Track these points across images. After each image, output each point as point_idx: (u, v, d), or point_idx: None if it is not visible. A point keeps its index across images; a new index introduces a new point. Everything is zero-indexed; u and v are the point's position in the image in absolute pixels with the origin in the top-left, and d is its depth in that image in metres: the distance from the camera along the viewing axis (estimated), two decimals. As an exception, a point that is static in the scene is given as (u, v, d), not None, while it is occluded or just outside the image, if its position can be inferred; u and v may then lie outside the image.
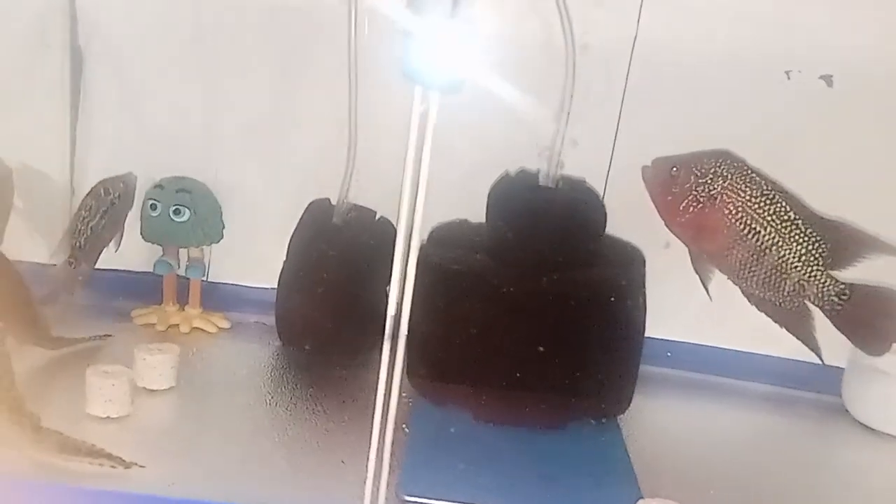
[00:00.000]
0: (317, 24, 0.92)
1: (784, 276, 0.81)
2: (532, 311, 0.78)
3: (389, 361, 0.60)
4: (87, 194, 0.90)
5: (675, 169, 0.82)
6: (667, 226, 0.84)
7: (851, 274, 0.81)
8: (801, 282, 0.81)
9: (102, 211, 0.88)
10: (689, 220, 0.82)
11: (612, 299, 0.78)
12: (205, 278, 0.96)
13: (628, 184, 0.92)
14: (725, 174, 0.80)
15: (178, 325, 0.92)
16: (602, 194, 0.93)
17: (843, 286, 0.80)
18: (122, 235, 0.92)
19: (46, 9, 0.93)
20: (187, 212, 0.89)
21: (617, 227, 0.86)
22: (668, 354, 0.97)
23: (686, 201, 0.81)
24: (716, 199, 0.81)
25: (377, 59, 0.89)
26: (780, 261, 0.81)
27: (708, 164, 0.81)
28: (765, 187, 0.80)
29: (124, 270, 0.97)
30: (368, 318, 0.90)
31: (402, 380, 0.61)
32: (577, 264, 0.80)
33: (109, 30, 0.94)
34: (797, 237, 0.80)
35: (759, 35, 0.89)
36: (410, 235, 0.59)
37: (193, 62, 0.94)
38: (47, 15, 0.93)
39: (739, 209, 0.80)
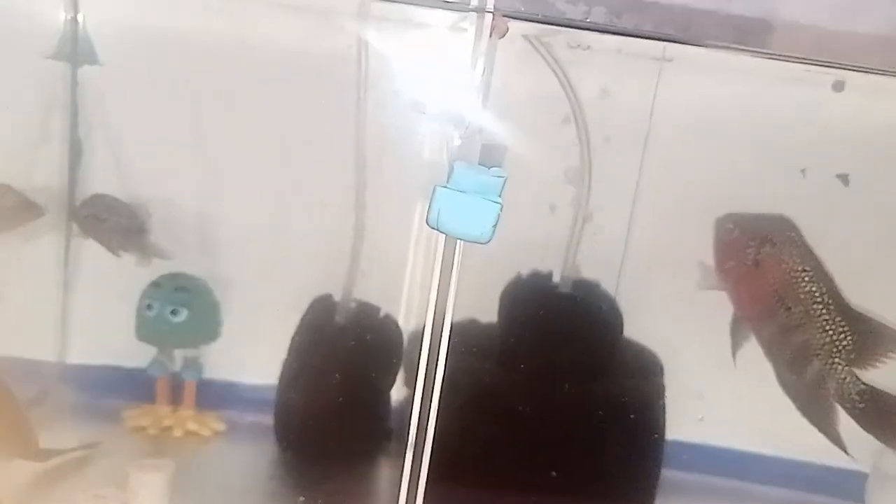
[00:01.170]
0: (323, 112, 0.90)
1: (808, 360, 0.78)
2: (546, 429, 0.74)
3: (412, 472, 0.56)
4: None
5: (731, 227, 0.80)
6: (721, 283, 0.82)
7: (879, 374, 0.78)
8: (822, 372, 0.78)
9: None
10: (734, 279, 0.80)
11: (631, 415, 0.75)
12: (201, 377, 0.92)
13: (643, 277, 0.91)
14: (774, 241, 0.78)
15: (171, 427, 0.88)
16: (615, 290, 0.90)
17: (864, 387, 0.77)
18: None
19: (48, 100, 0.91)
20: (185, 311, 0.86)
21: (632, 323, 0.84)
22: (685, 457, 0.93)
23: (735, 261, 0.80)
24: (759, 264, 0.78)
25: (386, 147, 0.86)
26: (804, 343, 0.78)
27: (761, 227, 0.79)
28: (807, 263, 0.77)
29: (114, 367, 0.93)
30: (371, 423, 0.87)
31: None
32: (593, 374, 0.77)
33: (110, 122, 0.91)
34: (824, 322, 0.77)
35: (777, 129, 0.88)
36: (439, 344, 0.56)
37: (193, 153, 0.91)
38: (49, 105, 0.90)
39: (777, 279, 0.77)
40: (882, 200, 0.89)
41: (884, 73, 0.82)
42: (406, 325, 0.89)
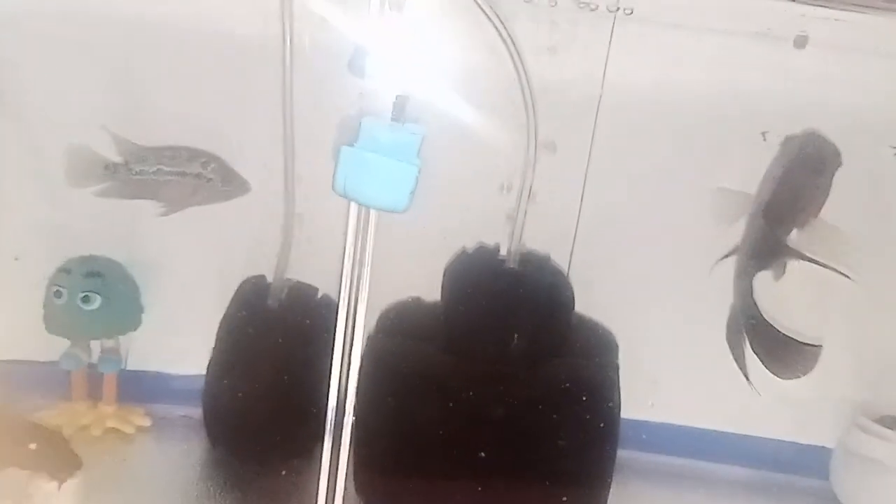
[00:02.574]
0: (251, 83, 0.82)
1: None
2: (491, 415, 0.69)
3: (331, 462, 0.51)
4: (188, 148, 0.80)
5: None
6: None
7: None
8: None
9: (181, 171, 0.79)
10: None
11: (584, 397, 0.69)
12: (122, 369, 0.84)
13: (595, 250, 0.86)
14: None
15: (89, 426, 0.81)
16: (568, 266, 0.85)
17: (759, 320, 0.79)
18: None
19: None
20: (98, 298, 0.78)
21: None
22: (644, 437, 0.89)
23: None
24: None
25: (316, 123, 0.79)
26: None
27: None
28: None
29: (26, 361, 0.85)
30: (309, 414, 0.80)
31: (346, 486, 0.51)
32: (545, 354, 0.72)
33: (13, 93, 0.82)
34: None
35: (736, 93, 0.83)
36: (354, 319, 0.51)
37: (102, 124, 0.83)
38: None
39: None
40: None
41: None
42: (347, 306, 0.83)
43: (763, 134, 0.83)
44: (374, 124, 0.38)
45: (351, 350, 0.48)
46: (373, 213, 0.62)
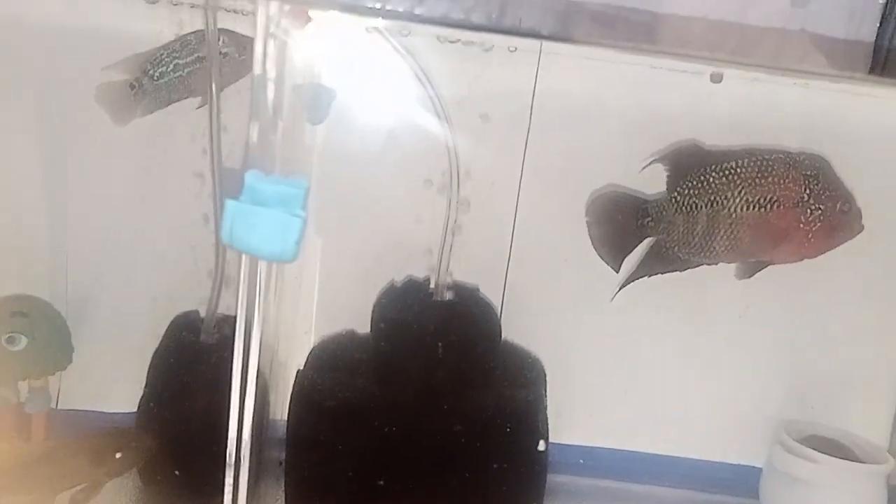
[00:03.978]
0: (176, 114, 0.82)
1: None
2: (421, 447, 0.70)
3: (233, 494, 0.51)
4: (192, 32, 0.77)
5: None
6: None
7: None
8: None
9: (197, 56, 0.76)
10: None
11: (509, 427, 0.70)
12: (53, 407, 0.83)
13: (528, 278, 0.87)
14: None
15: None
16: (502, 293, 0.86)
17: None
18: (214, 103, 0.75)
19: None
20: (23, 339, 0.77)
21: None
22: (581, 461, 0.90)
23: None
24: None
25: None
26: None
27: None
28: None
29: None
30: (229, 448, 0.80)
31: None
32: (471, 385, 0.73)
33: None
34: None
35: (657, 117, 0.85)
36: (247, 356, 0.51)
37: (35, 165, 0.82)
38: None
39: None
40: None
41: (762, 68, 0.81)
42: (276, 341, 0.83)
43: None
44: (257, 177, 0.38)
45: (244, 384, 0.48)
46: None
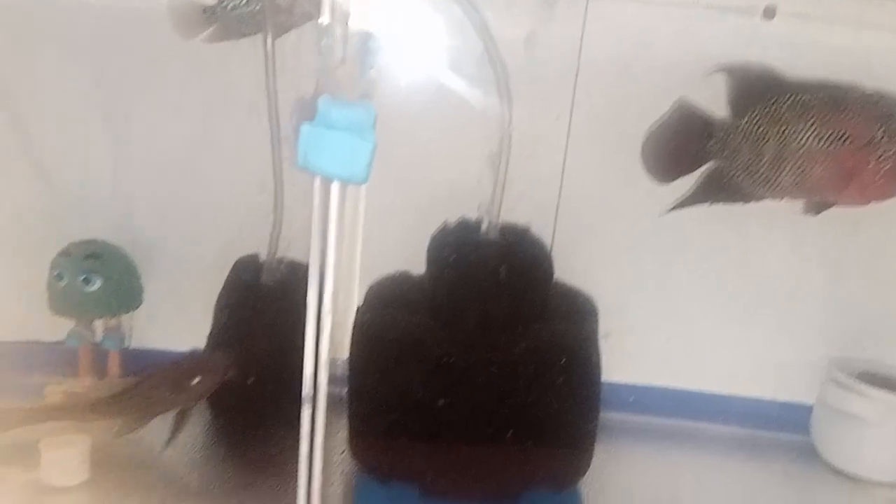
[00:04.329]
0: (235, 64, 0.84)
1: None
2: (478, 378, 0.71)
3: (312, 428, 0.54)
4: None
5: None
6: None
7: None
8: None
9: None
10: None
11: (564, 360, 0.72)
12: (126, 346, 0.88)
13: (577, 226, 0.88)
14: None
15: (96, 401, 0.85)
16: (552, 236, 0.87)
17: None
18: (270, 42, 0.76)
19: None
20: (98, 280, 0.81)
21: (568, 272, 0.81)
22: (631, 399, 0.92)
23: None
24: None
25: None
26: None
27: None
28: None
29: (33, 342, 0.89)
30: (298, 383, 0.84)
31: (325, 450, 0.54)
32: (525, 321, 0.74)
33: (5, 78, 0.85)
34: None
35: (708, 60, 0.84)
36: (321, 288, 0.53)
37: (100, 113, 0.85)
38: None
39: None
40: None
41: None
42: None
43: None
44: (329, 102, 0.40)
45: (320, 320, 0.51)
46: (351, 190, 0.64)
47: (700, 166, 0.79)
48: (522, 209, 0.82)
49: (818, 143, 0.73)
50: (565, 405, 0.74)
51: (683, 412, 0.92)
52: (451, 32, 0.80)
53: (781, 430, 0.91)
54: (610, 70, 0.84)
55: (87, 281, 0.81)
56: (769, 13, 0.82)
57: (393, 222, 0.86)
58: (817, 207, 0.78)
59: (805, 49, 0.81)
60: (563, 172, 0.86)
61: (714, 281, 0.89)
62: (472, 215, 0.81)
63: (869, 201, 0.76)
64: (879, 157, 0.73)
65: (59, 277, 0.81)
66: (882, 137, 0.73)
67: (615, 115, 0.84)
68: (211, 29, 0.79)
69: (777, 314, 0.90)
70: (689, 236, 0.86)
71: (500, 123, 0.76)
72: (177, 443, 0.78)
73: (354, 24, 0.71)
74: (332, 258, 0.48)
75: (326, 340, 0.50)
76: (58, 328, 0.86)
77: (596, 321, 0.77)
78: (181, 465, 0.77)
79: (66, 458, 0.70)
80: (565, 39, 0.83)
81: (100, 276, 0.81)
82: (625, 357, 0.89)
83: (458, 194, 0.84)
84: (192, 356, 0.80)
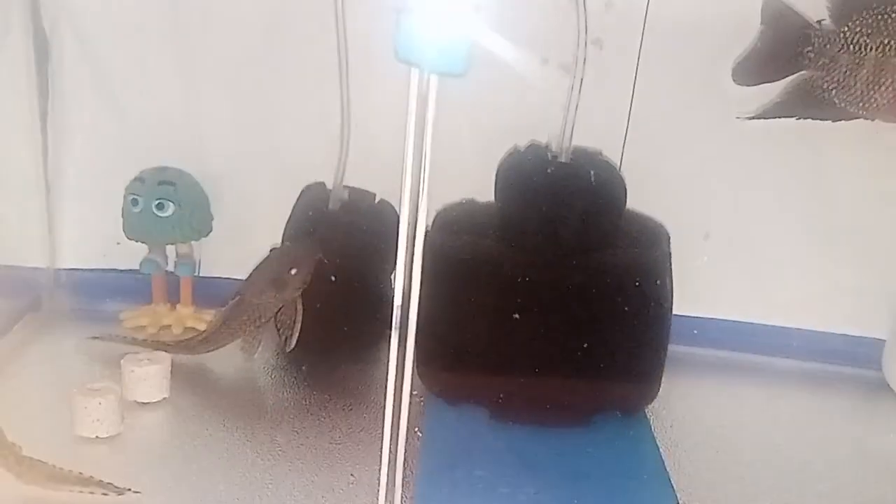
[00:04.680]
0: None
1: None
2: (548, 301, 0.71)
3: (398, 355, 0.54)
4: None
5: None
6: None
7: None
8: None
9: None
10: None
11: (637, 283, 0.71)
12: (196, 274, 0.90)
13: (646, 153, 0.86)
14: None
15: (170, 326, 0.87)
16: (619, 165, 0.86)
17: None
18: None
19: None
20: (171, 205, 0.82)
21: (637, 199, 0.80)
22: (695, 332, 0.91)
23: None
24: None
25: (370, 29, 0.81)
26: None
27: None
28: None
29: (109, 269, 0.91)
30: (374, 309, 0.84)
31: (412, 378, 0.55)
32: (597, 245, 0.74)
33: (78, 11, 0.86)
34: None
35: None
36: (416, 220, 0.53)
37: (170, 44, 0.85)
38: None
39: None
40: None
41: None
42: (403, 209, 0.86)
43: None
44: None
45: (413, 245, 0.50)
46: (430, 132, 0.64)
47: (790, 74, 0.74)
48: (590, 135, 0.81)
49: None
50: (636, 330, 0.73)
51: (751, 345, 0.90)
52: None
53: (852, 364, 0.89)
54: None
55: (160, 206, 0.82)
56: None
57: (459, 149, 0.85)
58: None
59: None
60: (632, 98, 0.84)
61: (786, 213, 0.87)
62: (541, 140, 0.80)
63: None
64: None
65: (134, 203, 0.83)
66: None
67: (687, 36, 0.82)
68: None
69: (852, 245, 0.87)
70: (762, 162, 0.84)
71: (575, 45, 0.74)
72: (253, 371, 0.80)
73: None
74: (428, 164, 0.48)
75: (418, 260, 0.49)
76: (133, 257, 0.89)
77: (668, 247, 0.76)
78: (259, 387, 0.79)
79: (147, 375, 0.72)
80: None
81: (173, 201, 0.82)
82: (691, 289, 0.88)
83: (526, 121, 0.83)
84: (282, 251, 0.81)
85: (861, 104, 0.72)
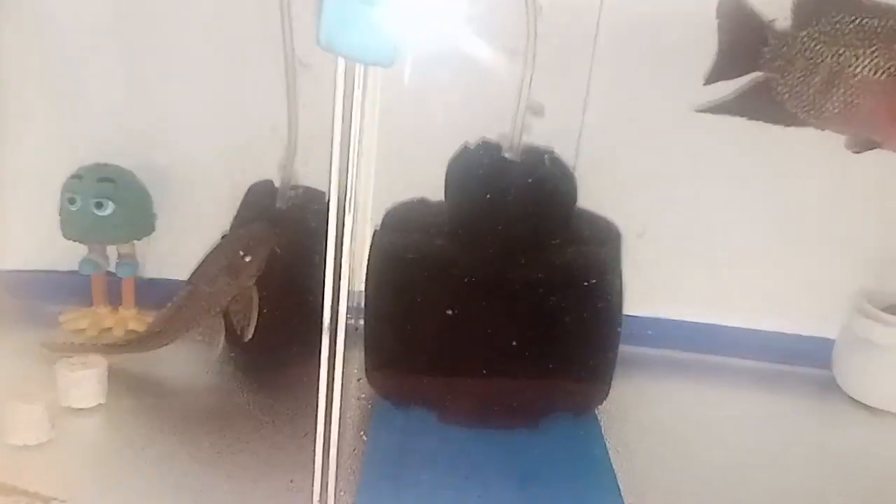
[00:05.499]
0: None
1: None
2: (498, 301, 0.70)
3: (329, 356, 0.53)
4: None
5: None
6: None
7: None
8: None
9: None
10: None
11: (586, 283, 0.71)
12: (139, 275, 0.87)
13: (601, 150, 0.86)
14: None
15: (110, 328, 0.84)
16: (573, 164, 0.85)
17: None
18: None
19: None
20: (111, 204, 0.80)
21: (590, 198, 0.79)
22: (649, 332, 0.91)
23: None
24: None
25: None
26: None
27: None
28: None
29: (49, 271, 0.88)
30: (320, 311, 0.83)
31: (343, 377, 0.54)
32: (547, 245, 0.73)
33: (16, 4, 0.82)
34: None
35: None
36: (343, 217, 0.52)
37: (113, 38, 0.83)
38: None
39: None
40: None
41: None
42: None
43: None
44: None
45: (341, 243, 0.49)
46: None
47: (746, 73, 0.74)
48: (545, 132, 0.81)
49: (875, 74, 0.68)
50: (586, 329, 0.73)
51: (704, 345, 0.90)
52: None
53: (804, 364, 0.90)
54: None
55: (99, 205, 0.79)
56: None
57: (408, 148, 0.84)
58: (861, 145, 0.73)
59: None
60: (587, 92, 0.84)
61: (741, 211, 0.87)
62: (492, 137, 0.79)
63: None
64: None
65: (72, 201, 0.80)
66: None
67: (641, 34, 0.81)
68: None
69: (804, 247, 0.88)
70: (715, 161, 0.84)
71: (525, 42, 0.73)
72: (192, 370, 0.78)
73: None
74: (356, 159, 0.46)
75: (347, 256, 0.48)
76: (72, 258, 0.86)
77: (619, 246, 0.75)
78: (200, 390, 0.77)
79: (81, 380, 0.70)
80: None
81: (112, 200, 0.80)
82: (644, 289, 0.88)
83: (478, 119, 0.82)
84: (234, 236, 0.78)
85: (812, 111, 0.72)
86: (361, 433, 0.69)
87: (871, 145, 0.73)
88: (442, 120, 0.83)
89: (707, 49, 0.79)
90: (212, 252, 0.76)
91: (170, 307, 0.76)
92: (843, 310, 0.88)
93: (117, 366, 0.75)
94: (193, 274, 0.76)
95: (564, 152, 0.81)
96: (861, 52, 0.68)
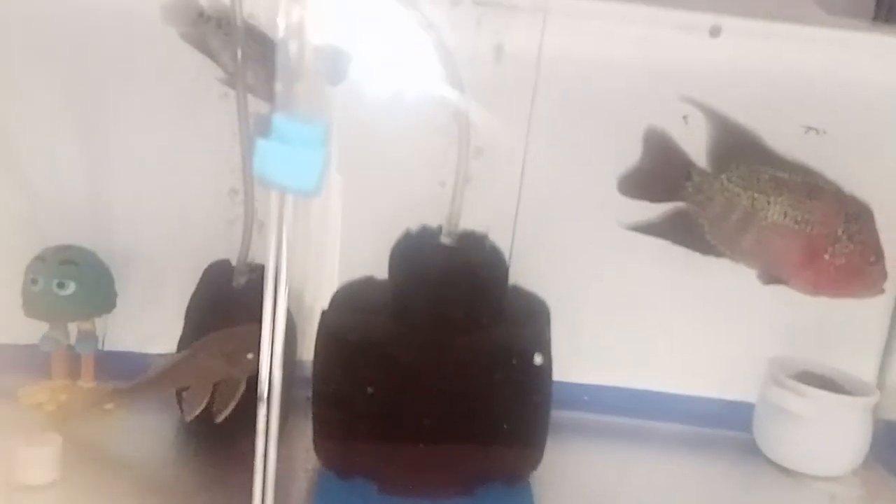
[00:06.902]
0: (205, 79, 0.88)
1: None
2: (435, 377, 0.76)
3: (264, 428, 0.57)
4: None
5: None
6: None
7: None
8: None
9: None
10: None
11: (515, 361, 0.76)
12: (99, 348, 0.91)
13: (534, 230, 0.93)
14: None
15: (69, 402, 0.87)
16: (511, 243, 0.92)
17: None
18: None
19: None
20: (72, 284, 0.84)
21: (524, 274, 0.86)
22: (586, 398, 0.97)
23: None
24: None
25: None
26: None
27: None
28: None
29: (8, 345, 0.92)
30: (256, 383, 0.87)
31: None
32: (480, 324, 0.79)
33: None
34: None
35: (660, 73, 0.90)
36: (276, 300, 0.57)
37: (74, 123, 0.89)
38: None
39: None
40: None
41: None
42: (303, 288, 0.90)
43: (684, 118, 0.90)
44: (283, 119, 0.44)
45: (274, 324, 0.54)
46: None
47: (668, 201, 0.82)
48: (483, 217, 0.87)
49: (784, 221, 0.77)
50: (517, 403, 0.78)
51: (634, 410, 0.97)
52: (411, 47, 0.85)
53: (726, 427, 0.96)
54: (569, 81, 0.89)
55: (61, 285, 0.84)
56: (715, 32, 0.87)
57: (366, 231, 0.90)
58: (770, 279, 0.82)
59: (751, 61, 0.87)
60: (521, 178, 0.91)
61: (664, 286, 0.95)
62: (435, 223, 0.85)
63: (817, 292, 0.80)
64: (836, 251, 0.77)
65: (34, 282, 0.84)
66: (842, 235, 0.77)
67: (573, 126, 0.90)
68: (193, 30, 0.82)
69: (723, 318, 0.95)
70: (641, 245, 0.91)
71: (461, 135, 0.81)
72: (151, 448, 0.81)
73: (320, 39, 0.76)
74: (285, 263, 0.52)
75: (280, 340, 0.53)
76: (32, 331, 0.89)
77: (548, 323, 0.81)
78: (155, 463, 0.80)
79: (38, 456, 0.73)
80: (524, 52, 0.88)
81: (74, 280, 0.84)
82: (578, 358, 0.94)
83: (425, 203, 0.89)
84: (249, 330, 0.81)
85: (729, 245, 0.80)
86: (305, 504, 0.73)
87: (777, 281, 0.81)
88: (396, 205, 0.89)
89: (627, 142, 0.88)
90: (223, 331, 0.80)
91: (164, 362, 0.80)
92: (761, 375, 0.95)
93: (75, 440, 0.78)
94: (199, 342, 0.80)
95: (500, 233, 0.88)
96: (773, 199, 0.77)
